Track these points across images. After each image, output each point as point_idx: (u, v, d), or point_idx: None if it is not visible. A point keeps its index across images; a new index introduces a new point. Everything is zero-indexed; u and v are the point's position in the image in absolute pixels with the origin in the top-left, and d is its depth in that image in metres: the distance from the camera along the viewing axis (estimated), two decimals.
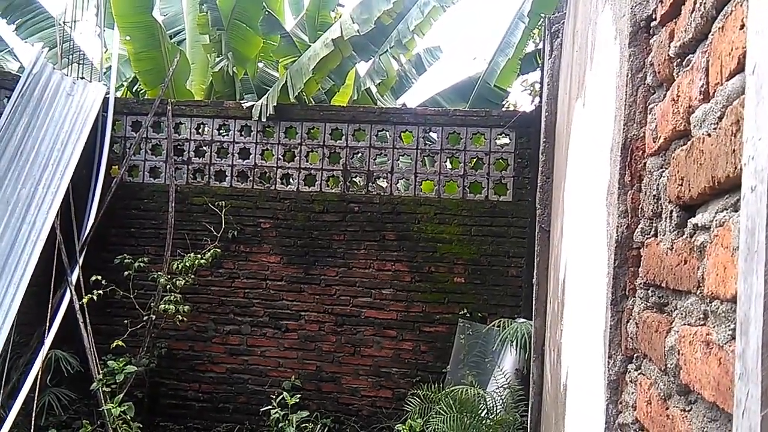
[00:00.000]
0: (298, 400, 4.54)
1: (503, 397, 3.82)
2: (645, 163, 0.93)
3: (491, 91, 6.08)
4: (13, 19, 5.83)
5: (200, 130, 5.38)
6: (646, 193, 0.92)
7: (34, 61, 4.94)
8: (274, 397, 4.61)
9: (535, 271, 3.35)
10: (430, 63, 7.58)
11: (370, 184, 5.14)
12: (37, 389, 4.19)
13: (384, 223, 5.05)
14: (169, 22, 6.62)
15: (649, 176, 0.90)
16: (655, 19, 0.92)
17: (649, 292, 0.89)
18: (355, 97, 6.11)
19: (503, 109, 6.36)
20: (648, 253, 0.90)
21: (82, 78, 5.50)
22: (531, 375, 3.34)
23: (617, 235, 0.97)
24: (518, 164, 4.94)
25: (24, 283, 4.11)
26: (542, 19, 4.68)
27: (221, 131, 5.34)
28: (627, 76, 0.97)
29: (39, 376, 4.20)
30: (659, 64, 0.89)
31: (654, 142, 0.88)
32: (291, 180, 5.29)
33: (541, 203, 3.16)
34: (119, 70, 6.32)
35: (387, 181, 5.15)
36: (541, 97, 4.68)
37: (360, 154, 5.19)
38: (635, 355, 0.94)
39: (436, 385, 4.16)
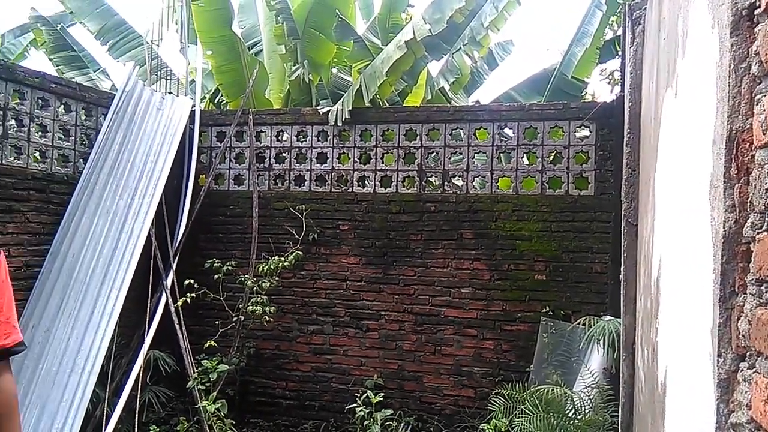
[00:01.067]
0: (381, 399, 4.61)
1: (591, 396, 3.72)
2: (753, 156, 0.90)
3: (569, 83, 5.93)
4: (106, 40, 6.25)
5: (280, 137, 5.56)
6: (755, 187, 0.88)
7: (126, 79, 5.27)
8: (358, 395, 4.71)
9: (622, 267, 3.24)
10: (502, 57, 7.49)
11: (446, 183, 5.14)
12: (139, 387, 4.47)
13: (461, 221, 5.04)
14: (247, 34, 6.88)
15: (759, 169, 0.87)
16: (759, 7, 0.89)
17: (763, 288, 0.86)
18: (429, 97, 6.13)
19: (582, 100, 6.18)
20: (761, 249, 0.87)
21: (170, 93, 5.82)
22: (621, 374, 3.24)
23: (724, 230, 0.94)
24: (600, 157, 4.80)
25: (125, 288, 4.40)
26: (621, 6, 4.52)
27: (299, 137, 5.50)
28: (729, 66, 0.94)
29: (140, 375, 4.48)
30: (766, 54, 0.86)
31: (763, 134, 0.85)
32: (367, 182, 5.38)
33: (627, 197, 3.06)
34: (201, 82, 6.64)
35: (463, 179, 5.13)
36: (622, 86, 4.52)
37: (435, 154, 5.21)
38: (748, 353, 0.91)
39: (520, 385, 4.10)
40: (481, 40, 5.29)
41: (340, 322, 5.25)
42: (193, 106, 5.59)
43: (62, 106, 4.84)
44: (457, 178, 5.20)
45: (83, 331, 4.19)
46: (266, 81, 6.29)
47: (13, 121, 4.44)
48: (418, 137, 5.22)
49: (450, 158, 5.17)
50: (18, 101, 4.49)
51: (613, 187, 4.60)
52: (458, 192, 5.10)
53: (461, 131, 5.21)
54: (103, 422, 4.22)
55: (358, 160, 5.35)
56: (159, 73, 6.11)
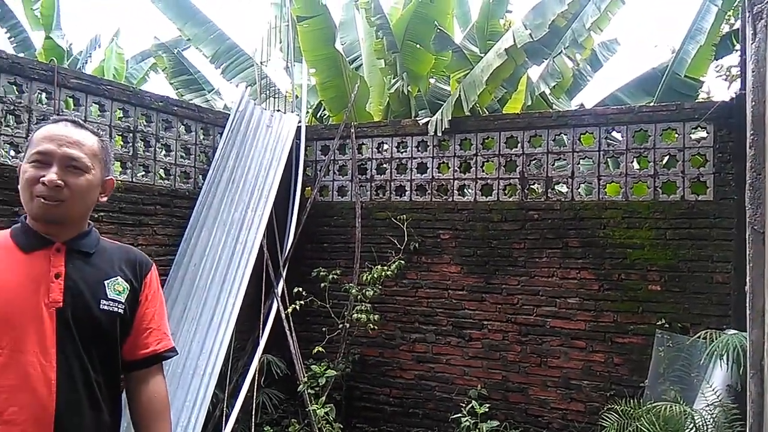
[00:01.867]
0: (486, 410, 4.57)
1: (714, 415, 3.48)
2: None
3: (682, 82, 5.60)
4: (219, 63, 6.69)
5: (380, 149, 5.69)
6: None
7: (239, 100, 5.62)
8: (463, 405, 4.69)
9: (747, 278, 3.01)
10: (606, 58, 7.22)
11: (550, 190, 5.02)
12: (254, 390, 4.72)
13: (566, 229, 4.89)
14: (348, 49, 7.11)
15: None
16: None
17: None
18: (529, 103, 6.02)
19: (696, 100, 5.82)
20: None
21: (278, 110, 6.13)
22: (748, 392, 3.00)
23: None
24: (719, 159, 4.49)
25: (240, 295, 4.68)
26: (738, 1, 4.22)
27: (400, 148, 5.60)
28: None
29: (255, 378, 4.74)
30: None
31: None
32: (467, 191, 5.36)
33: (752, 202, 2.85)
34: (306, 98, 6.92)
35: (567, 186, 4.99)
36: (743, 84, 4.21)
37: (537, 161, 5.10)
38: None
39: (634, 400, 3.91)
40: (584, 42, 5.13)
41: (442, 331, 5.26)
42: (299, 122, 5.86)
43: (183, 127, 5.24)
44: (561, 184, 5.07)
45: (204, 335, 4.50)
46: (367, 94, 6.46)
47: (141, 143, 4.88)
48: (519, 144, 5.14)
49: (553, 164, 5.04)
50: (145, 124, 4.92)
51: (735, 192, 4.28)
52: (563, 199, 4.97)
53: (565, 137, 5.08)
54: (222, 422, 4.50)
55: (458, 169, 5.36)
56: (267, 92, 6.46)
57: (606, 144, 4.89)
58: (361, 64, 7.00)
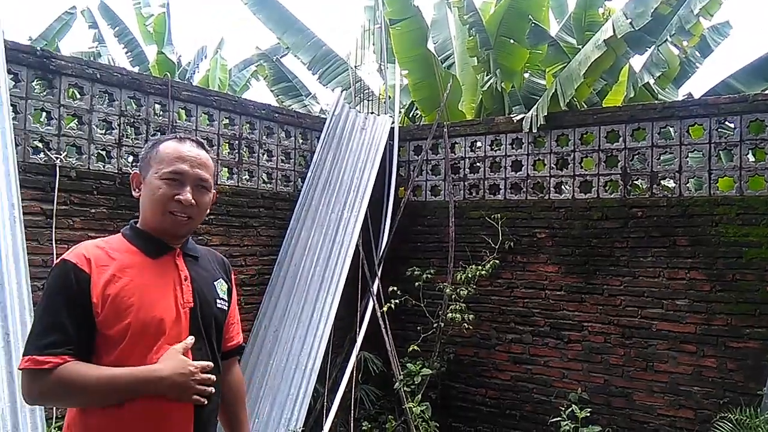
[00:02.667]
0: (587, 414, 4.43)
1: None
2: None
3: None
4: (316, 70, 6.93)
5: (474, 148, 5.66)
6: None
7: (335, 104, 5.81)
8: (562, 408, 4.58)
9: None
10: (717, 42, 6.73)
11: (654, 186, 4.77)
12: (353, 385, 4.87)
13: (673, 227, 4.64)
14: (440, 48, 7.11)
15: None
16: None
17: None
18: (631, 95, 5.74)
19: None
20: None
21: (372, 113, 6.26)
22: None
23: None
24: None
25: (338, 294, 4.84)
26: None
27: (493, 146, 5.54)
28: None
29: (353, 374, 4.88)
30: None
31: None
32: (565, 188, 5.22)
33: None
34: (399, 99, 7.01)
35: (675, 181, 4.72)
36: None
37: (640, 155, 4.87)
38: None
39: (751, 409, 3.66)
40: (692, 29, 4.81)
41: (539, 332, 5.16)
42: (392, 123, 5.95)
43: (284, 133, 5.49)
44: (667, 179, 4.80)
45: (305, 332, 4.70)
46: (459, 93, 6.44)
47: (246, 149, 5.16)
48: (620, 138, 4.93)
49: (659, 159, 4.79)
50: (249, 131, 5.20)
51: None
52: (669, 195, 4.71)
53: (671, 129, 4.81)
54: (323, 415, 4.68)
55: (554, 166, 5.22)
56: (362, 95, 6.61)
57: (717, 136, 4.58)
58: (454, 63, 6.98)
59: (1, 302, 2.99)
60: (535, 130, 5.21)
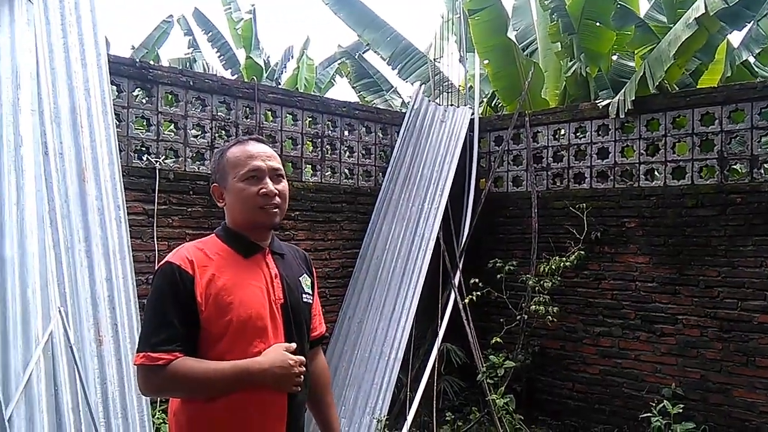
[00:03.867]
0: (680, 410, 4.25)
1: None
2: None
3: None
4: (396, 64, 7.01)
5: (557, 136, 5.52)
6: None
7: (414, 98, 5.86)
8: (653, 404, 4.42)
9: None
10: None
11: (755, 170, 4.46)
12: (435, 376, 4.93)
13: None
14: (521, 35, 6.96)
15: None
16: None
17: None
18: (729, 74, 5.37)
19: None
20: None
21: (451, 105, 6.26)
22: None
23: None
24: None
25: (419, 286, 4.91)
26: None
27: (578, 134, 5.38)
28: None
29: (435, 365, 4.94)
30: None
31: None
32: (655, 175, 4.98)
33: None
34: (479, 89, 6.94)
35: None
36: None
37: (739, 138, 4.56)
38: None
39: None
40: None
41: (629, 325, 4.98)
42: (472, 114, 5.91)
43: (364, 129, 5.62)
44: None
45: (387, 323, 4.81)
46: (542, 81, 6.29)
47: (328, 146, 5.34)
48: (716, 121, 4.64)
49: (759, 141, 4.47)
50: (331, 128, 5.37)
51: None
52: None
53: None
54: (406, 405, 4.78)
55: (644, 152, 5.00)
56: (441, 87, 6.62)
57: None
58: (536, 50, 6.81)
59: (110, 296, 3.30)
60: (622, 116, 5.01)
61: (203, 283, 1.62)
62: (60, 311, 3.01)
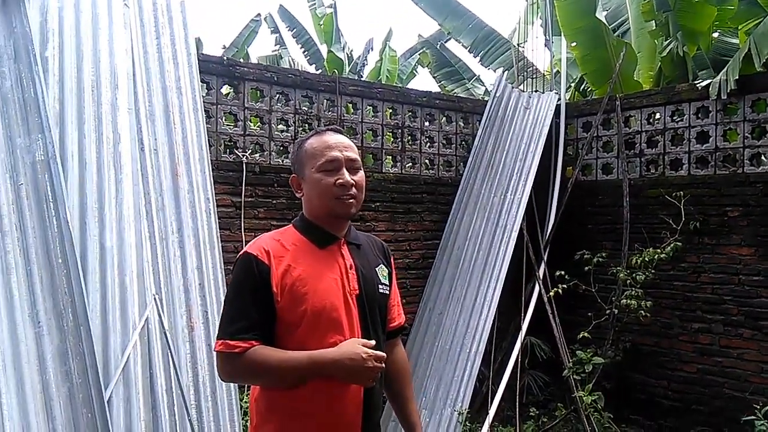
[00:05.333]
0: None
1: None
2: None
3: None
4: (477, 52, 6.88)
5: (651, 120, 5.21)
6: None
7: (496, 85, 5.72)
8: (757, 406, 4.09)
9: None
10: None
11: None
12: (518, 370, 4.82)
13: None
14: (612, 15, 6.63)
15: None
16: None
17: None
18: None
19: None
20: None
21: (536, 91, 6.06)
22: None
23: None
24: None
25: (501, 278, 4.81)
26: None
27: (674, 117, 5.05)
28: None
29: (519, 359, 4.83)
30: None
31: None
32: (762, 160, 4.59)
33: None
34: (566, 73, 6.67)
35: None
36: None
37: None
38: None
39: None
40: None
41: (732, 321, 4.63)
42: (559, 100, 5.69)
43: (444, 118, 5.55)
44: None
45: (468, 315, 4.75)
46: (634, 62, 5.94)
47: (408, 137, 5.33)
48: None
49: None
50: (411, 119, 5.35)
51: None
52: None
53: None
54: (488, 398, 4.71)
55: (749, 136, 4.62)
56: (525, 73, 6.42)
57: None
58: (627, 30, 6.46)
59: (201, 284, 3.48)
60: (724, 97, 4.65)
61: (279, 274, 1.64)
62: (155, 298, 3.20)
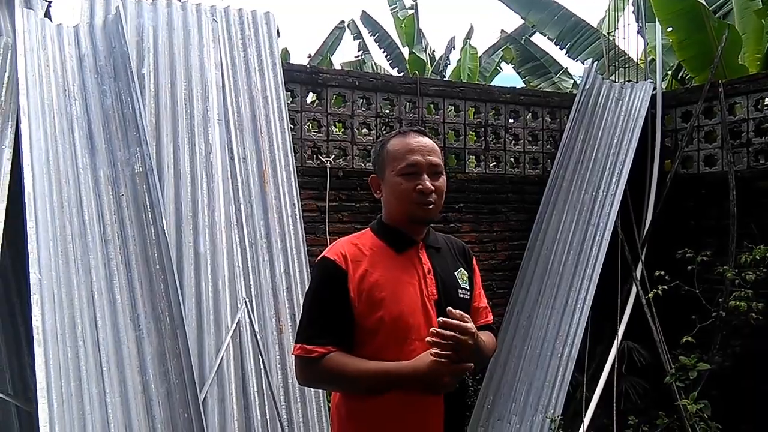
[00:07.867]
0: None
1: None
2: None
3: None
4: (564, 44, 6.62)
5: (759, 106, 4.79)
6: None
7: (585, 77, 5.47)
8: None
9: None
10: None
11: None
12: (615, 376, 4.58)
13: None
14: None
15: None
16: None
17: None
18: None
19: None
20: None
21: (629, 81, 5.74)
22: None
23: None
24: None
25: (594, 279, 4.58)
26: None
27: None
28: None
29: (615, 365, 4.59)
30: None
31: None
32: None
33: None
34: (662, 61, 6.28)
35: None
36: None
37: None
38: None
39: None
40: None
41: None
42: (654, 89, 5.36)
43: (530, 114, 5.39)
44: None
45: (559, 318, 4.57)
46: (739, 45, 5.49)
47: (492, 135, 5.21)
48: None
49: None
50: (494, 117, 5.23)
51: None
52: None
53: None
54: (583, 405, 4.51)
55: None
56: (617, 63, 6.10)
57: None
58: (730, 11, 5.99)
59: (288, 288, 3.56)
60: None
61: (356, 279, 1.63)
62: (246, 302, 3.32)
